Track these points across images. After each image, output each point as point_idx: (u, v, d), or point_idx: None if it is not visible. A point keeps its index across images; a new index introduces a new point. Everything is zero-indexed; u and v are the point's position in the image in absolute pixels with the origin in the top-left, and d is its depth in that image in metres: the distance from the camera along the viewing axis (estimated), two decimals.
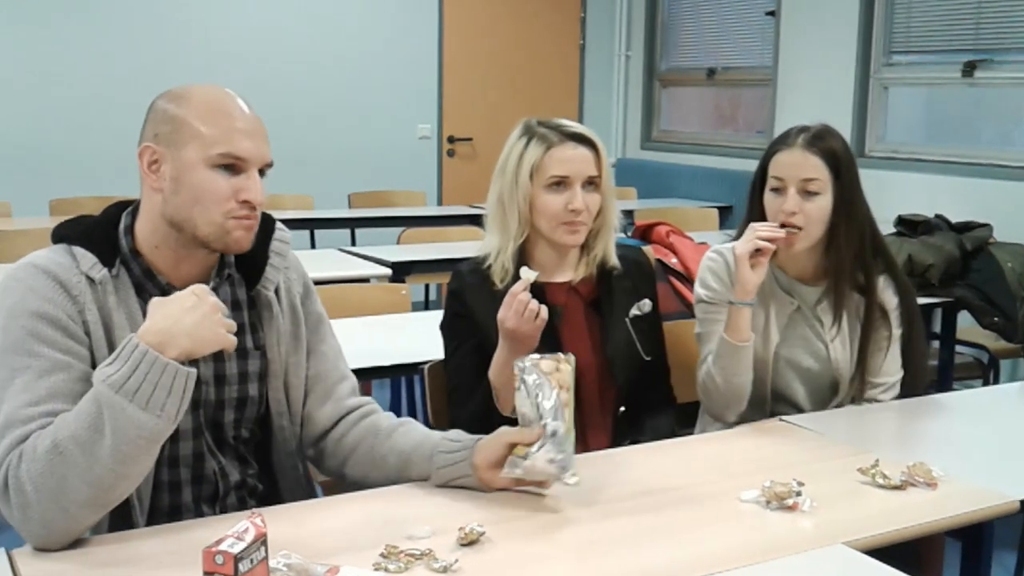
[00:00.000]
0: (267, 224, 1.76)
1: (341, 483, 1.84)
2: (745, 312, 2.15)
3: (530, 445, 1.61)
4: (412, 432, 1.76)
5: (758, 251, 2.13)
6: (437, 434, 1.75)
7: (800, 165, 2.17)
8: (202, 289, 1.49)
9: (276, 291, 1.75)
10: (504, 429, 1.68)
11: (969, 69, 5.18)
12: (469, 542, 1.49)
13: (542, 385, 1.60)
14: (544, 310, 1.91)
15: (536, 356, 1.65)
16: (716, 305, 2.27)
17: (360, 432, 1.78)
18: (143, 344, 1.41)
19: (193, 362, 1.64)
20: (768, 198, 2.22)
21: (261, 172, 1.62)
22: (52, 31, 5.83)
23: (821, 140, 2.19)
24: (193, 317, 1.44)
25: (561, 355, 1.65)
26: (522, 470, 1.61)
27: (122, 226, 1.64)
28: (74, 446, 1.39)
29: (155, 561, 1.42)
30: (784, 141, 2.22)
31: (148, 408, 1.39)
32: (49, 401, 1.46)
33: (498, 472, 1.65)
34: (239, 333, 1.70)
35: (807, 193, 2.17)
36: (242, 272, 1.74)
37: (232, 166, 1.57)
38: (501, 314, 1.93)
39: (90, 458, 1.39)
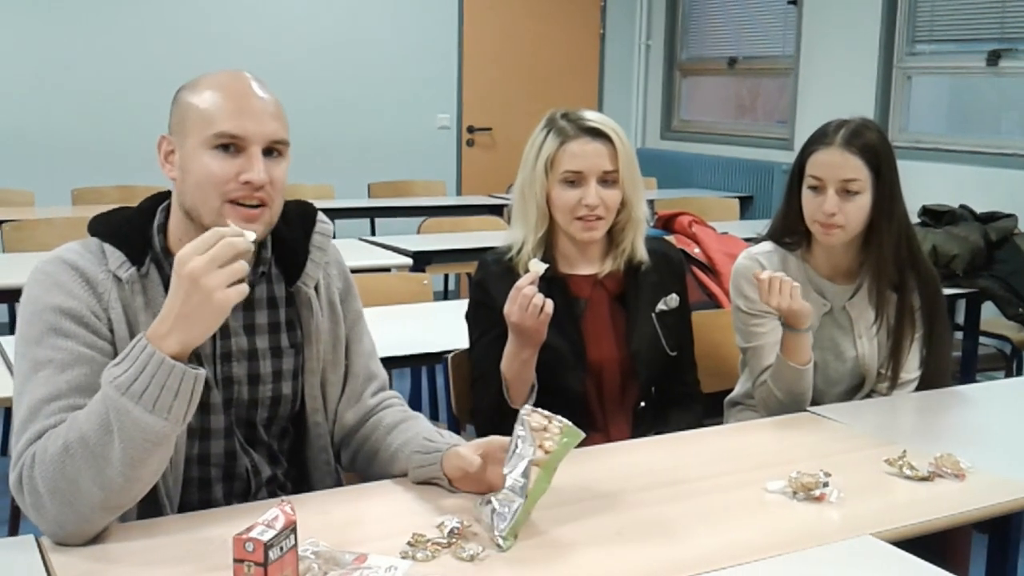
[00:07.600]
0: (308, 214, 1.72)
1: (358, 477, 1.83)
2: (806, 336, 2.13)
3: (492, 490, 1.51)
4: (408, 429, 1.72)
5: None
6: (426, 431, 1.69)
7: (840, 166, 2.12)
8: (198, 269, 1.33)
9: (316, 287, 1.71)
10: (461, 452, 1.58)
11: (994, 58, 5.13)
12: None
13: (525, 439, 1.49)
14: (549, 304, 1.89)
15: (530, 408, 1.52)
16: (756, 316, 2.24)
17: (368, 428, 1.77)
18: (151, 346, 1.35)
19: (226, 363, 1.63)
20: (806, 196, 2.19)
21: (274, 152, 1.55)
22: (74, 21, 5.84)
23: (860, 137, 2.13)
24: (188, 308, 1.34)
25: (557, 418, 1.51)
26: (481, 514, 1.51)
27: (156, 223, 1.60)
28: (83, 448, 1.36)
29: (183, 549, 1.42)
30: (822, 140, 2.16)
31: (155, 411, 1.34)
32: (70, 395, 1.44)
33: (464, 484, 1.59)
34: (275, 332, 1.68)
35: (847, 193, 2.13)
36: (281, 266, 1.69)
37: (231, 146, 1.51)
38: (506, 308, 1.92)
39: (100, 461, 1.36)
